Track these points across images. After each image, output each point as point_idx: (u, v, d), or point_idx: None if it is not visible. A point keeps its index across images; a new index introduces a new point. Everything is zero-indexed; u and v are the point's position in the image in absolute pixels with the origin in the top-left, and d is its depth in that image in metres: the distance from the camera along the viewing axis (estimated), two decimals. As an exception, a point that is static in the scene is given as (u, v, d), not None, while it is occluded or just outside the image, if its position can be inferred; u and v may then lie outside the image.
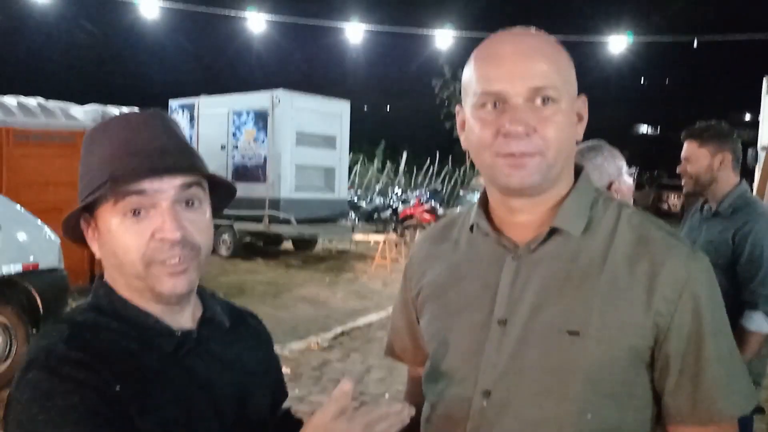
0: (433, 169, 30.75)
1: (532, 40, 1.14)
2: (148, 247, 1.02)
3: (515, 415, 1.11)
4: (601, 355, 1.08)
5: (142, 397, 0.99)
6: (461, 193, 24.18)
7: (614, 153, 2.35)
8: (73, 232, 1.10)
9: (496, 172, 1.13)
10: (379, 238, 13.75)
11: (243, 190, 11.82)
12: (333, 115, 13.84)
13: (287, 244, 14.96)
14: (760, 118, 8.49)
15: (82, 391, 0.93)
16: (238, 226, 12.90)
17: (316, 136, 13.51)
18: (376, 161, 30.55)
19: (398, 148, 32.47)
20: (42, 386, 0.94)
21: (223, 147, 13.58)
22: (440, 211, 17.13)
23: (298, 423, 1.26)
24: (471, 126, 1.15)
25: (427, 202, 18.10)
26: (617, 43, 16.55)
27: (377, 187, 24.52)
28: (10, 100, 8.12)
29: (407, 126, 47.15)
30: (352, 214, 16.83)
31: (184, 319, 1.11)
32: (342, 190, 14.39)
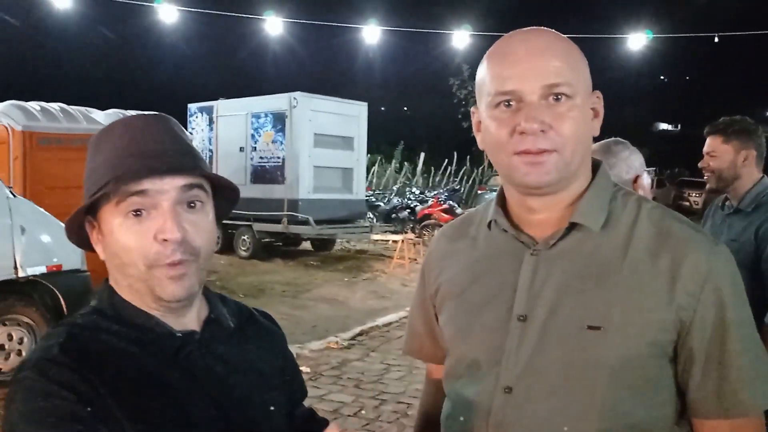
0: (451, 169, 30.67)
1: (543, 38, 1.14)
2: (151, 250, 1.01)
3: (537, 411, 1.11)
4: (623, 350, 1.08)
5: (136, 400, 0.97)
6: (479, 192, 24.08)
7: (635, 150, 2.36)
8: (77, 235, 1.10)
9: (513, 171, 1.13)
10: (397, 238, 13.75)
11: (262, 191, 11.85)
12: (350, 117, 13.86)
13: (306, 245, 15.01)
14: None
15: (64, 393, 0.92)
16: (257, 227, 12.98)
17: (334, 138, 13.54)
18: (393, 161, 30.54)
19: (416, 148, 32.44)
20: (28, 386, 0.94)
21: (241, 149, 13.67)
22: (458, 210, 17.09)
23: (322, 422, 1.26)
24: (487, 126, 1.16)
25: (445, 201, 18.05)
26: (636, 41, 16.42)
27: (395, 188, 24.51)
28: (34, 105, 8.25)
29: (425, 126, 47.08)
30: (370, 215, 16.85)
31: (188, 320, 1.10)
32: (360, 191, 14.41)
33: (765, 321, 2.65)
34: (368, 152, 15.93)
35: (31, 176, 7.71)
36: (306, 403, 1.35)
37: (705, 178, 3.02)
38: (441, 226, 15.96)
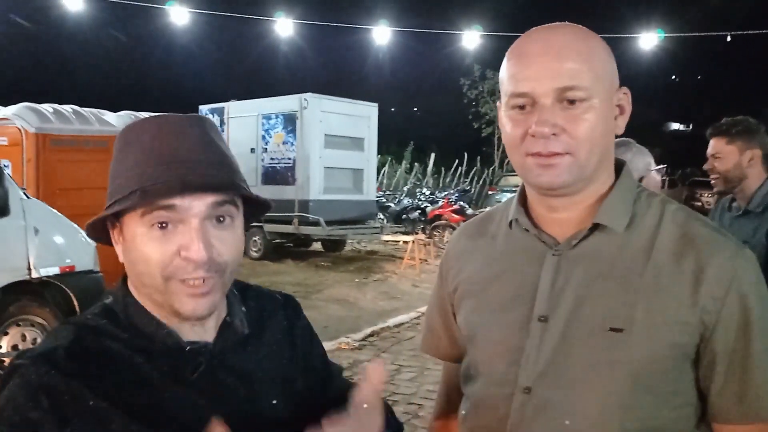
0: (462, 170, 30.63)
1: (562, 38, 1.11)
2: (171, 263, 0.97)
3: (556, 413, 1.10)
4: (645, 352, 1.07)
5: (132, 414, 0.94)
6: (490, 193, 24.04)
7: (642, 150, 2.34)
8: (97, 231, 1.06)
9: (526, 172, 1.13)
10: (408, 238, 13.75)
11: (273, 192, 11.88)
12: (361, 118, 13.87)
13: (316, 245, 15.03)
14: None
15: (44, 407, 0.89)
16: (268, 228, 13.01)
17: (345, 139, 13.55)
18: (404, 162, 30.54)
19: (426, 148, 32.41)
20: (18, 381, 0.92)
21: (252, 150, 13.71)
22: (469, 211, 17.06)
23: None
24: (503, 125, 1.16)
25: (455, 202, 18.03)
26: (648, 40, 16.34)
27: (405, 188, 24.51)
28: (46, 107, 8.31)
29: (435, 126, 47.03)
30: (381, 215, 16.85)
31: (203, 327, 1.06)
32: (370, 192, 14.41)
33: None
34: (378, 153, 15.93)
35: (44, 178, 7.77)
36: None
37: (712, 181, 2.99)
38: (452, 226, 16.00)
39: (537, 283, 1.16)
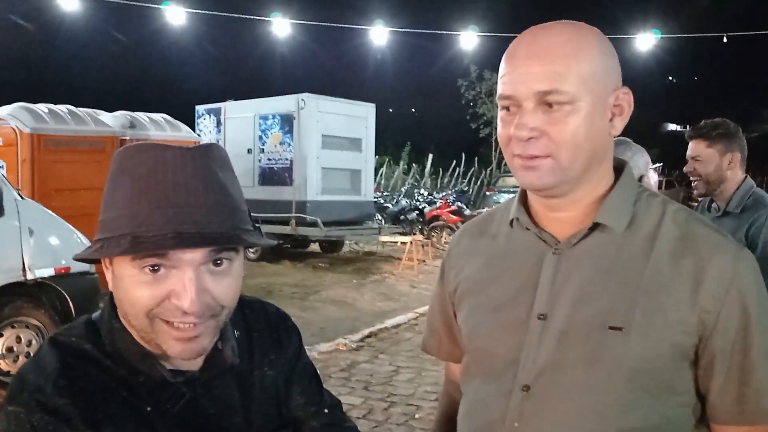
0: (459, 170, 30.63)
1: (549, 40, 1.10)
2: (159, 306, 0.92)
3: (555, 411, 1.11)
4: (643, 351, 1.07)
5: None
6: (488, 193, 24.04)
7: (641, 149, 2.36)
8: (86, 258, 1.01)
9: (515, 172, 1.15)
10: (406, 239, 13.74)
11: (270, 193, 11.89)
12: (358, 118, 13.86)
13: (314, 246, 15.02)
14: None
15: None
16: (266, 228, 12.94)
17: (342, 139, 13.54)
18: (402, 163, 30.54)
19: (424, 149, 32.42)
20: (11, 425, 0.90)
21: (249, 151, 13.68)
22: (466, 212, 17.06)
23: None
24: (498, 124, 1.17)
25: (453, 203, 18.03)
26: (644, 41, 16.36)
27: (403, 189, 24.49)
28: (42, 108, 8.28)
29: (433, 127, 47.04)
30: (379, 216, 16.83)
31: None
32: (368, 192, 14.40)
33: None
34: (376, 153, 15.92)
35: (39, 178, 7.74)
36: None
37: (692, 183, 3.02)
38: (449, 227, 16.01)
39: (537, 282, 1.16)
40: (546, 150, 1.09)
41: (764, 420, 1.09)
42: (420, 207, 18.48)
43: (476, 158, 31.50)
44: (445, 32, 17.56)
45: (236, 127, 14.04)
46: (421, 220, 17.74)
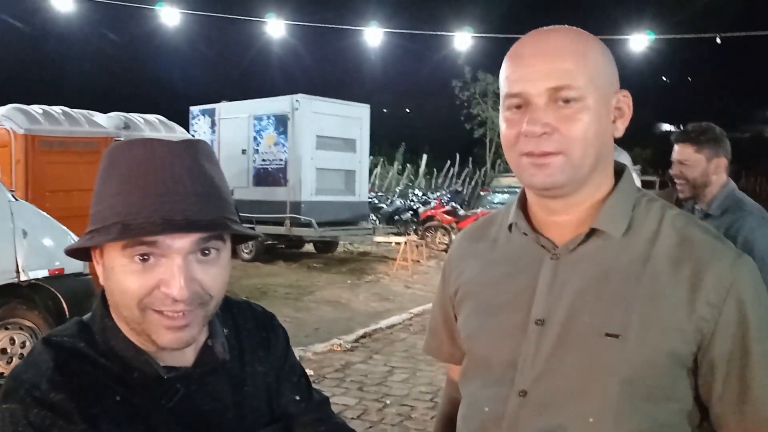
0: (454, 171, 30.66)
1: (556, 40, 1.12)
2: (149, 296, 0.94)
3: (551, 416, 1.10)
4: (640, 358, 1.06)
5: None
6: (482, 194, 24.07)
7: (620, 150, 2.38)
8: (78, 252, 1.03)
9: (522, 172, 1.13)
10: (400, 239, 13.75)
11: (264, 193, 11.89)
12: (353, 119, 13.86)
13: (308, 247, 15.01)
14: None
15: None
16: (260, 229, 12.96)
17: (337, 140, 13.54)
18: (396, 163, 30.55)
19: (418, 150, 32.44)
20: (8, 422, 0.90)
21: (244, 151, 13.67)
22: (461, 212, 17.07)
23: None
24: (501, 126, 1.16)
25: (447, 203, 18.04)
26: (638, 42, 16.40)
27: (398, 189, 24.49)
28: (36, 109, 8.25)
29: (427, 128, 47.05)
30: (373, 217, 16.84)
31: (184, 352, 1.03)
32: (362, 193, 14.40)
33: None
34: (371, 154, 15.92)
35: (33, 179, 7.72)
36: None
37: (678, 186, 3.05)
38: (444, 227, 16.02)
39: (535, 287, 1.16)
40: (558, 147, 1.08)
41: (765, 428, 1.08)
42: (414, 207, 18.50)
43: (470, 159, 31.54)
44: (439, 33, 17.57)
45: (230, 127, 14.03)
46: (415, 220, 17.75)
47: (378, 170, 27.44)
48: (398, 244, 13.67)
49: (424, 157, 29.60)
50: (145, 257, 0.94)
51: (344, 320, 8.52)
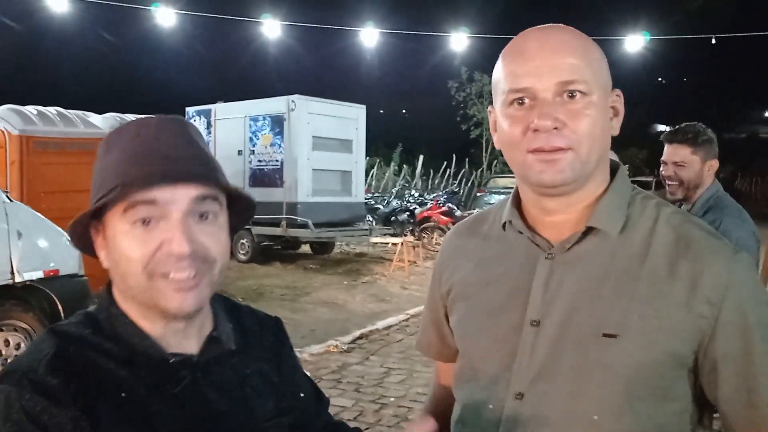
0: (450, 171, 30.65)
1: (559, 35, 1.12)
2: (153, 259, 0.95)
3: (548, 418, 1.09)
4: (638, 358, 1.05)
5: (117, 428, 0.93)
6: (478, 194, 24.07)
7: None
8: (81, 239, 1.04)
9: (527, 170, 1.10)
10: (397, 240, 13.74)
11: (260, 194, 11.86)
12: (349, 120, 13.85)
13: (305, 248, 14.99)
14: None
15: (30, 429, 0.88)
16: (256, 230, 12.95)
17: (333, 141, 13.52)
18: (392, 164, 30.54)
19: (415, 150, 32.43)
20: (3, 406, 0.90)
21: (240, 152, 13.65)
22: (457, 213, 17.07)
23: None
24: (500, 125, 1.14)
25: (444, 204, 18.03)
26: (634, 43, 16.44)
27: (394, 190, 24.49)
28: (30, 110, 8.22)
29: (424, 128, 47.07)
30: (370, 217, 16.82)
31: (188, 340, 1.04)
32: (359, 194, 14.39)
33: None
34: (367, 155, 15.91)
35: (28, 180, 7.68)
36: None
37: (669, 187, 3.00)
38: (440, 228, 16.01)
39: (530, 287, 1.14)
40: (568, 142, 1.06)
41: None
42: (411, 208, 18.48)
43: (467, 159, 31.53)
44: (435, 34, 17.59)
45: (226, 128, 14.00)
46: (412, 221, 17.74)
47: (374, 171, 27.42)
48: (395, 245, 13.67)
49: (421, 157, 29.56)
50: (146, 221, 0.96)
51: (341, 321, 8.50)
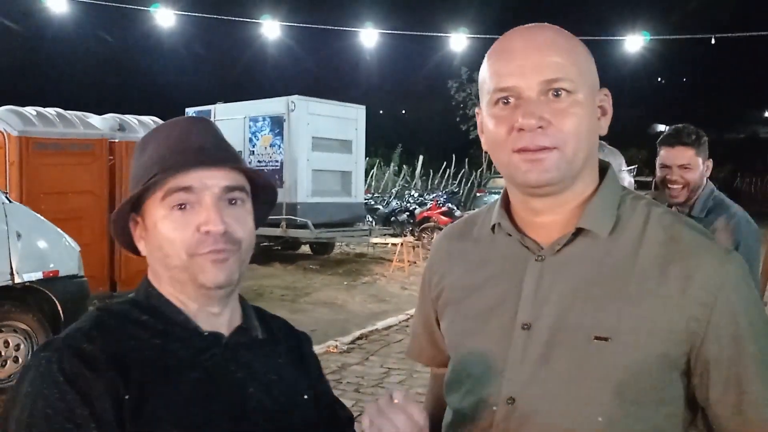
0: (450, 172, 30.65)
1: (544, 34, 1.10)
2: (193, 239, 1.06)
3: (541, 423, 1.07)
4: (631, 361, 1.04)
5: (148, 397, 0.99)
6: (478, 195, 24.07)
7: (614, 151, 2.36)
8: (122, 233, 1.14)
9: (513, 170, 1.09)
10: (397, 241, 13.74)
11: (260, 195, 11.84)
12: (348, 120, 13.86)
13: (305, 248, 14.99)
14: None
15: (69, 392, 0.95)
16: (256, 231, 12.92)
17: (333, 141, 13.53)
18: (392, 164, 30.54)
19: (414, 151, 32.43)
20: (42, 370, 0.97)
21: (239, 153, 13.63)
22: (457, 213, 17.06)
23: None
24: (486, 125, 1.12)
25: (443, 204, 18.02)
26: (633, 43, 16.44)
27: (394, 191, 24.49)
28: (30, 111, 8.21)
29: (423, 129, 47.08)
30: (369, 218, 16.83)
31: (220, 323, 1.13)
32: (359, 194, 14.39)
33: None
34: (367, 155, 15.92)
35: (28, 181, 7.67)
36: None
37: (673, 192, 2.92)
38: (440, 228, 15.96)
39: (520, 290, 1.13)
40: (553, 141, 1.05)
41: (765, 428, 1.05)
42: (411, 208, 18.48)
43: (467, 160, 31.52)
44: (435, 34, 17.60)
45: (226, 129, 13.82)
46: (411, 221, 17.73)
47: (374, 171, 27.42)
48: (394, 245, 13.67)
49: (420, 158, 29.58)
50: (182, 206, 1.07)
51: (340, 322, 8.50)
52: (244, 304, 1.21)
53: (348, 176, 13.93)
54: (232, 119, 13.91)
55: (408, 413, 1.02)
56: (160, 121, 9.95)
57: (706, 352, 1.05)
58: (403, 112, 64.26)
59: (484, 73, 1.13)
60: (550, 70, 1.06)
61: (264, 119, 13.42)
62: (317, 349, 6.93)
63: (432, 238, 15.97)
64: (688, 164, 2.88)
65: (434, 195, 20.76)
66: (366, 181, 19.13)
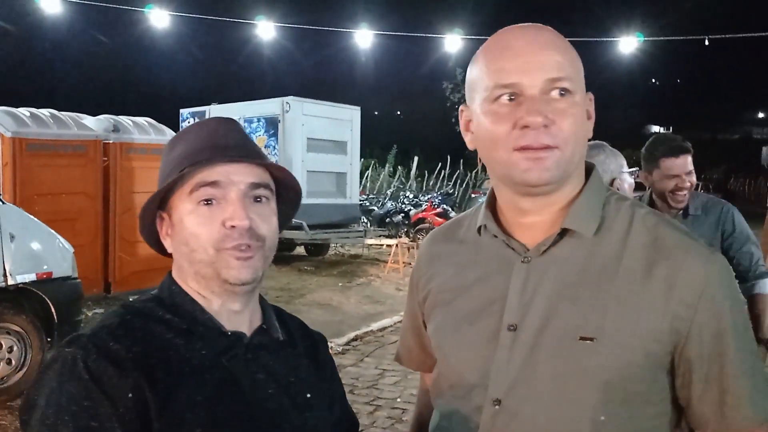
0: (445, 173, 30.68)
1: (544, 33, 1.11)
2: (218, 234, 1.07)
3: (527, 425, 1.07)
4: (616, 361, 1.04)
5: (169, 396, 1.00)
6: (473, 196, 24.08)
7: (615, 152, 2.38)
8: (148, 231, 1.15)
9: (512, 168, 1.08)
10: (392, 242, 13.74)
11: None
12: (343, 121, 13.86)
13: (299, 250, 14.97)
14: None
15: (94, 389, 0.96)
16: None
17: (327, 142, 13.52)
18: (387, 166, 30.54)
19: (409, 152, 32.46)
20: (68, 365, 0.98)
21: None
22: (452, 214, 17.07)
23: None
24: (481, 122, 1.11)
25: (438, 205, 18.03)
26: (627, 44, 16.47)
27: (389, 192, 24.48)
28: (23, 111, 8.18)
29: (418, 130, 47.13)
30: (364, 219, 16.81)
31: (241, 323, 1.14)
32: (354, 195, 14.38)
33: (757, 292, 2.94)
34: (362, 156, 15.92)
35: (21, 183, 7.64)
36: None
37: (679, 197, 2.98)
38: (435, 229, 15.98)
39: (506, 292, 1.12)
40: (555, 140, 1.05)
41: (747, 425, 1.07)
42: (406, 210, 18.47)
43: (462, 161, 31.55)
44: (429, 35, 17.61)
45: (221, 130, 13.97)
46: (406, 222, 17.73)
47: (369, 172, 27.43)
48: (389, 246, 13.66)
49: (416, 159, 29.60)
50: (209, 201, 1.08)
51: (335, 323, 8.49)
52: (264, 304, 1.22)
53: (343, 177, 13.92)
54: (226, 120, 13.89)
55: None
56: (155, 123, 9.93)
57: (690, 351, 1.06)
58: (398, 113, 64.31)
59: (479, 70, 1.12)
60: (554, 68, 1.06)
61: (259, 120, 13.40)
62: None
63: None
64: (692, 170, 3.01)
65: (429, 196, 20.77)
66: (361, 182, 19.11)
